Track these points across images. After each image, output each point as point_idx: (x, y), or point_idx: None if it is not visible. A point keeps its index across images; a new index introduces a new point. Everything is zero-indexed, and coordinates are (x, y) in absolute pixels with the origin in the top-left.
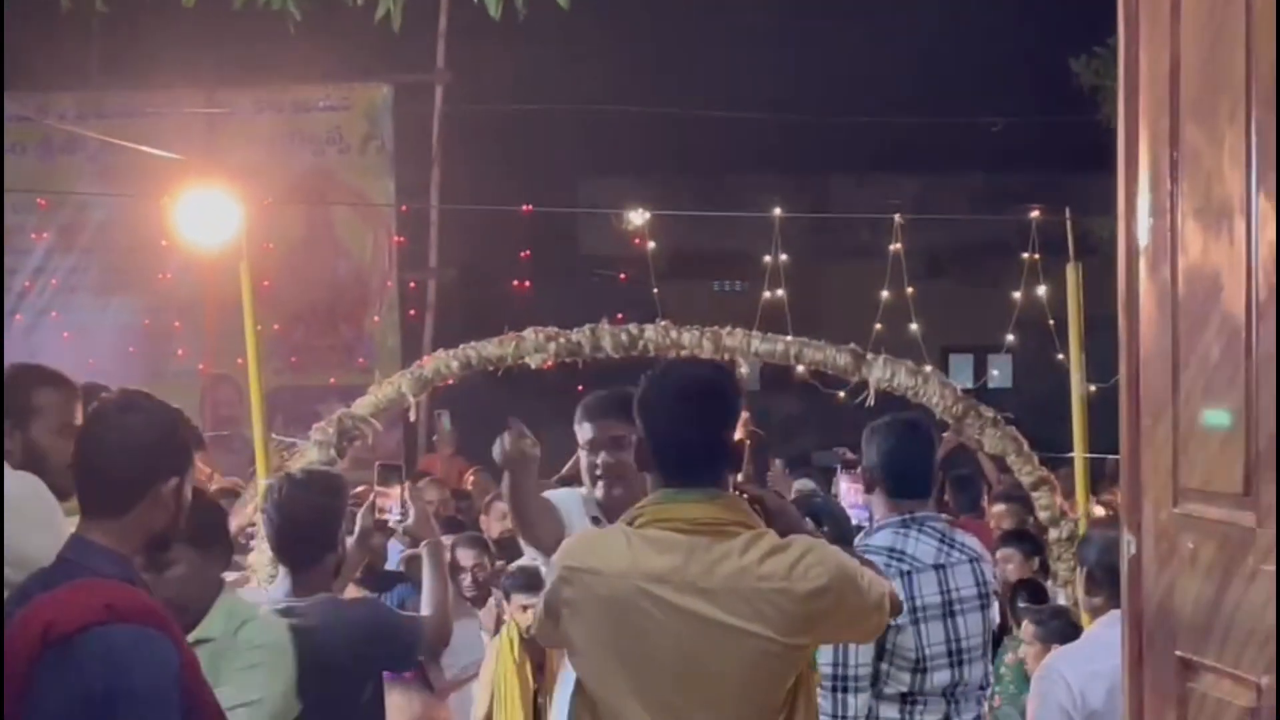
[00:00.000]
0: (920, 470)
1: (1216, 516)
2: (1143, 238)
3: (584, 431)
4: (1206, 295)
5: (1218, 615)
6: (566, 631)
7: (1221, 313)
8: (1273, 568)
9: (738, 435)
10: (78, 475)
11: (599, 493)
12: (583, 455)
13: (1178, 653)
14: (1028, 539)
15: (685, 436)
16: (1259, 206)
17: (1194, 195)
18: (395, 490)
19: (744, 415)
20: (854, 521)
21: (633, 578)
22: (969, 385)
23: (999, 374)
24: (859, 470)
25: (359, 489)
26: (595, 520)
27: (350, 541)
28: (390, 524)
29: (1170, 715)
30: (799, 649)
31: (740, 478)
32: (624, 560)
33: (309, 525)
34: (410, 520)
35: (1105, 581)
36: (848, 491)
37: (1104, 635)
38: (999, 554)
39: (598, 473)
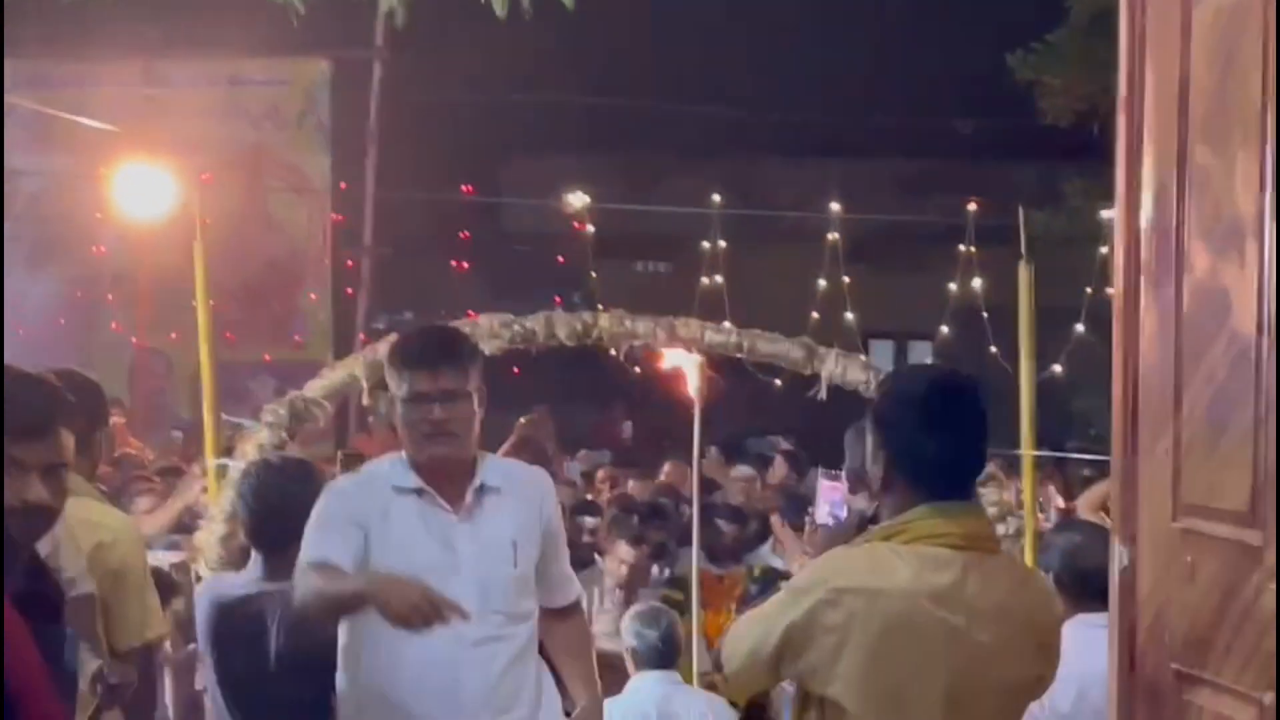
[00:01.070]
0: None
1: (1220, 533)
2: (1145, 255)
3: (409, 382)
4: (1214, 314)
5: (1219, 631)
6: (814, 660)
7: (1230, 332)
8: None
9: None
10: None
11: (424, 452)
12: (404, 409)
13: (1174, 665)
14: None
15: (953, 449)
16: (1271, 230)
17: (1203, 216)
18: None
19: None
20: (833, 520)
21: (918, 595)
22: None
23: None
24: (843, 470)
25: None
26: (419, 491)
27: None
28: None
29: None
30: (1045, 679)
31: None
32: (905, 577)
33: (283, 510)
34: None
35: (1072, 586)
36: (826, 490)
37: (1071, 639)
38: None
39: (426, 429)
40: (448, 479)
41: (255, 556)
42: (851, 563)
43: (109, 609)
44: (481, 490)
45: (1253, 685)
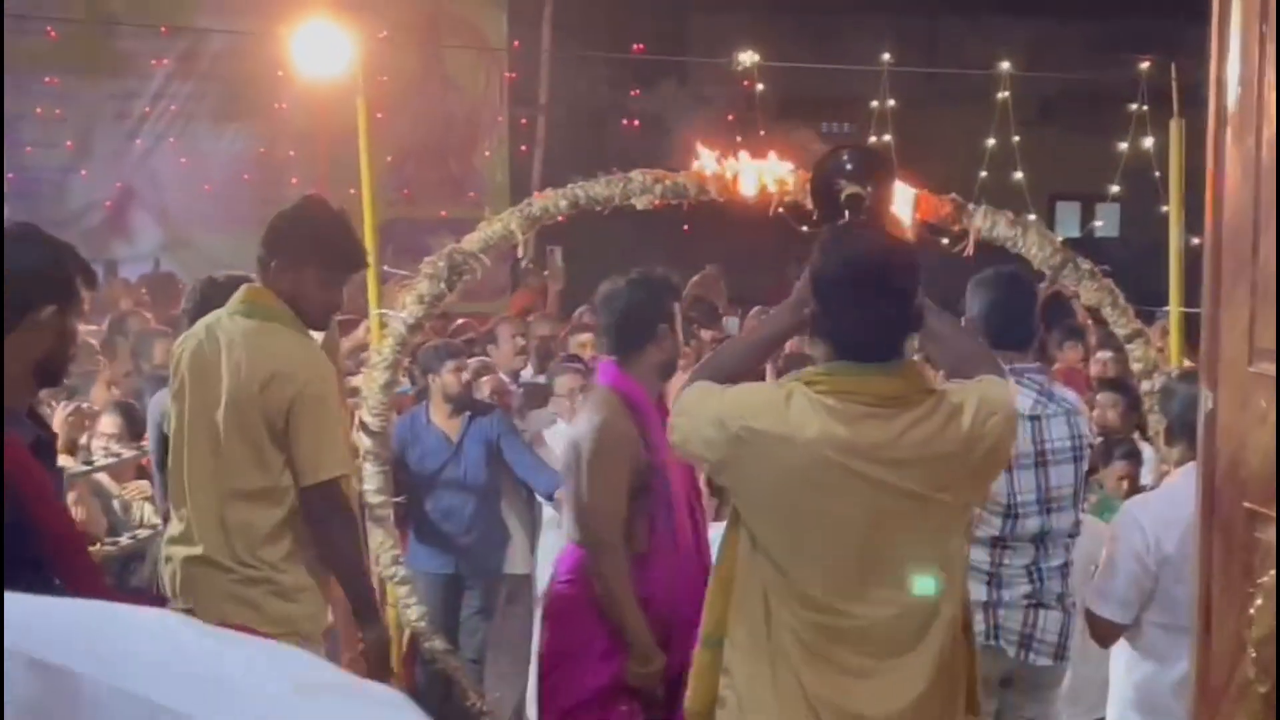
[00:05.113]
0: (1021, 322)
1: None
2: (1231, 106)
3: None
4: None
5: None
6: (734, 482)
7: None
8: None
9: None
10: None
11: None
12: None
13: (1246, 504)
14: (1125, 388)
15: (868, 316)
16: None
17: None
18: None
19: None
20: None
21: (822, 446)
22: (1075, 234)
23: (1104, 223)
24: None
25: (459, 322)
26: None
27: None
28: None
29: (1237, 562)
30: (972, 504)
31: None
32: (814, 428)
33: None
34: None
35: (1182, 434)
36: None
37: (1181, 485)
38: (1099, 398)
39: None
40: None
41: None
42: (768, 404)
43: (288, 444)
44: None
45: None
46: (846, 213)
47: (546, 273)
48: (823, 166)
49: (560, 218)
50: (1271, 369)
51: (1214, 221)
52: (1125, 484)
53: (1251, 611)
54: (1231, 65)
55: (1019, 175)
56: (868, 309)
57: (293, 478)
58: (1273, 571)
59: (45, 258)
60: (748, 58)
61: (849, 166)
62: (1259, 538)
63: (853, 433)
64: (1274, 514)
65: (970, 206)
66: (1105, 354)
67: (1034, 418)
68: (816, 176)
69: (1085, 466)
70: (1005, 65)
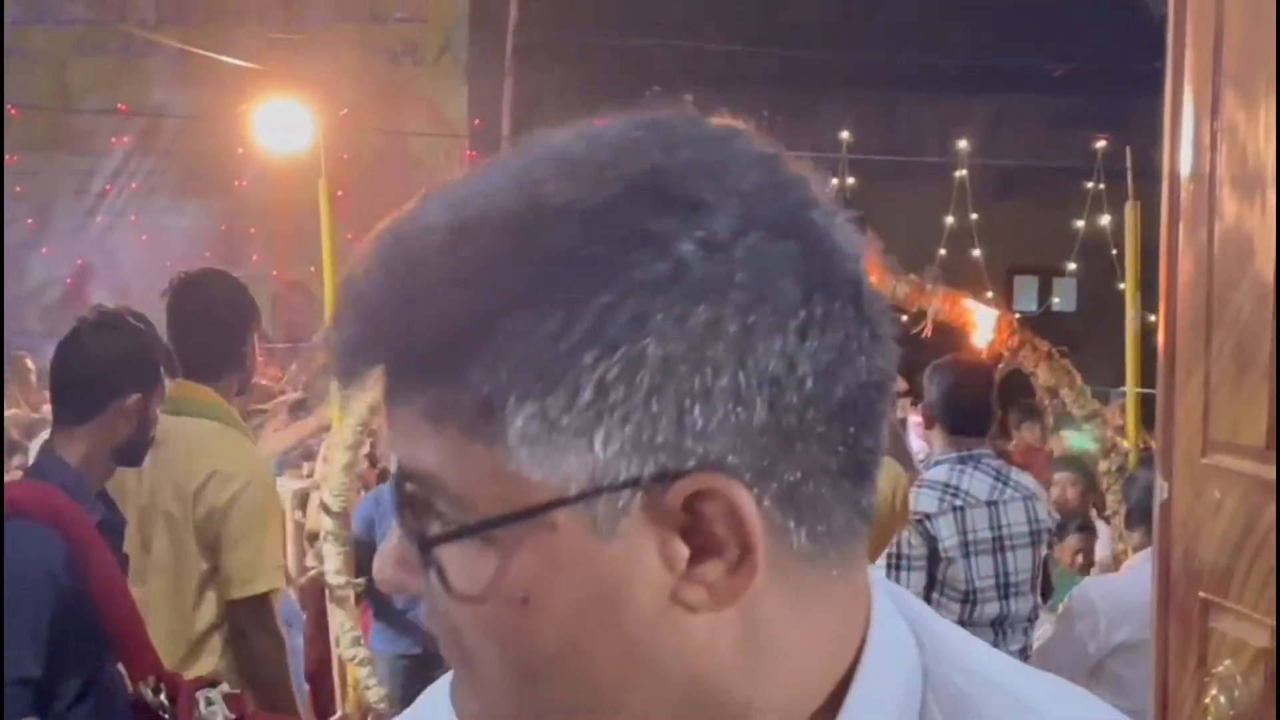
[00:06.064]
0: (979, 409)
1: (1241, 469)
2: (1184, 200)
3: None
4: (1240, 259)
5: (1239, 561)
6: None
7: (1252, 276)
8: None
9: None
10: (50, 386)
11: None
12: None
13: (1201, 594)
14: (1082, 467)
15: None
16: None
17: (1232, 163)
18: None
19: None
20: (919, 456)
21: None
22: (1033, 308)
23: (1061, 299)
24: (920, 406)
25: None
26: None
27: None
28: None
29: (1193, 651)
30: None
31: None
32: None
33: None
34: None
35: (1142, 520)
36: (914, 426)
37: (1140, 570)
38: (1056, 477)
39: None
40: None
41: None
42: None
43: (217, 553)
44: None
45: (1267, 612)
46: None
47: None
48: None
49: None
50: (1226, 461)
51: (1167, 314)
52: (1080, 557)
53: (1207, 701)
54: (1183, 160)
55: (977, 252)
56: None
57: (220, 588)
58: (1227, 661)
59: (132, 346)
60: None
61: None
62: (1214, 627)
63: None
64: (1228, 603)
65: (928, 287)
66: (1068, 432)
67: (991, 503)
68: None
69: (1044, 551)
70: (963, 143)
